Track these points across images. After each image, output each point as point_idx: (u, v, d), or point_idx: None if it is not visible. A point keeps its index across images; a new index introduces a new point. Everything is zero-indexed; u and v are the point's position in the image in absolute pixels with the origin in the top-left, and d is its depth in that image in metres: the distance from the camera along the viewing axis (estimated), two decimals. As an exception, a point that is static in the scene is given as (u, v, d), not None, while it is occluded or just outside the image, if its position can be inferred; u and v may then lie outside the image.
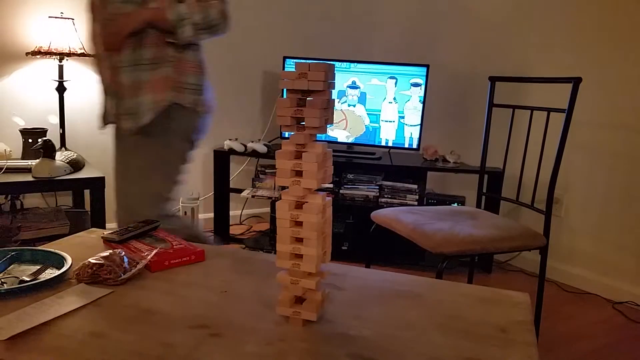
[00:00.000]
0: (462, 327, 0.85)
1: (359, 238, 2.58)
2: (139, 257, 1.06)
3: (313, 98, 0.78)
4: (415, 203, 2.53)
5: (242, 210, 3.14)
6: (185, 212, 2.39)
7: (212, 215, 2.82)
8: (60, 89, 2.34)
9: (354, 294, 0.97)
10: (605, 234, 2.30)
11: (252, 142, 2.66)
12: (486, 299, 0.98)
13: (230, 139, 2.67)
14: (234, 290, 0.96)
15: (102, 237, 1.19)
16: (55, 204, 2.56)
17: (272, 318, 0.85)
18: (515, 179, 2.22)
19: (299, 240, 0.81)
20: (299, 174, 0.80)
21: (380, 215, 1.64)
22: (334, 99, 0.81)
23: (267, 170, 2.74)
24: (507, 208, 2.67)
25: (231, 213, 2.87)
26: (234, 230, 2.95)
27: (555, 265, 2.47)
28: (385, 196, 2.55)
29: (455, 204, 2.52)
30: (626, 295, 2.23)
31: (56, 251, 1.06)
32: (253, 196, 2.63)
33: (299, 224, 0.81)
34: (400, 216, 1.56)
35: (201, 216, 2.92)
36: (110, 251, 1.04)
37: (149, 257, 1.05)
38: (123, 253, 1.04)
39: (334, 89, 0.79)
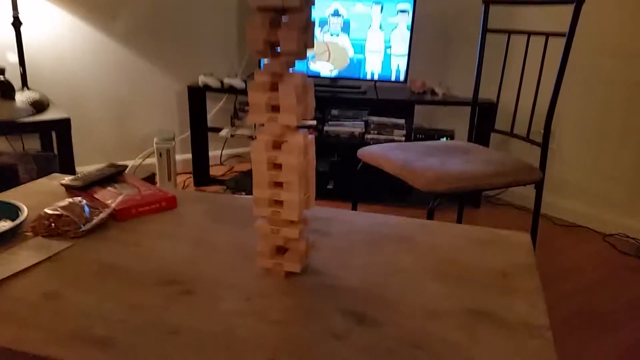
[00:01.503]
0: (459, 274, 0.79)
1: (344, 177, 2.50)
2: (102, 206, 0.96)
3: (289, 17, 0.66)
4: (403, 139, 2.44)
5: (222, 150, 3.03)
6: (160, 154, 2.28)
7: (190, 156, 2.71)
8: (16, 23, 2.14)
9: (341, 240, 0.89)
10: (598, 165, 2.25)
11: (229, 77, 2.51)
12: (483, 240, 0.91)
13: (205, 74, 2.52)
14: (209, 241, 0.87)
15: (62, 184, 1.09)
16: (22, 149, 2.43)
17: (251, 271, 0.77)
18: (507, 112, 2.13)
19: (279, 184, 0.72)
20: (275, 109, 0.69)
21: (368, 153, 1.55)
22: (313, 21, 0.69)
23: (246, 108, 2.61)
24: (497, 142, 2.60)
25: (210, 154, 2.76)
26: (215, 171, 2.85)
27: (546, 198, 2.44)
28: (372, 132, 2.46)
29: (445, 139, 2.44)
30: (617, 227, 2.21)
31: (10, 201, 0.95)
32: (232, 135, 2.52)
33: (277, 166, 0.71)
34: (389, 153, 1.48)
35: (178, 157, 2.81)
36: (70, 200, 0.94)
37: (113, 205, 0.96)
38: (84, 202, 0.94)
39: (313, 5, 0.67)
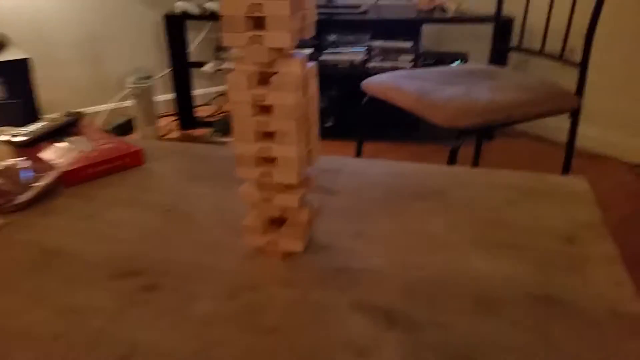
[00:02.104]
0: (512, 242, 0.61)
1: (344, 112, 2.29)
2: (49, 168, 0.77)
3: None
4: (410, 65, 2.20)
5: (207, 88, 2.79)
6: (137, 95, 2.05)
7: (173, 96, 2.48)
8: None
9: (352, 200, 0.70)
10: (629, 88, 2.03)
11: (211, 0, 2.23)
12: (533, 191, 0.72)
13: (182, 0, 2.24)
14: (184, 210, 0.69)
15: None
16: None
17: (238, 252, 0.59)
18: (530, 28, 1.88)
19: (269, 135, 0.52)
20: (259, 23, 0.48)
21: (375, 84, 1.33)
22: None
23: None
24: (513, 65, 2.36)
25: (196, 92, 2.53)
26: (201, 112, 2.63)
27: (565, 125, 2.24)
28: (375, 59, 2.22)
29: (458, 62, 2.20)
30: (648, 155, 2.03)
31: None
32: (218, 70, 2.28)
33: (266, 109, 0.51)
34: (401, 83, 1.26)
35: (160, 98, 2.58)
36: (7, 163, 0.75)
37: (60, 166, 0.76)
38: (25, 164, 0.75)
39: None
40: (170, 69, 2.35)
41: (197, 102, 2.61)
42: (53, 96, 2.34)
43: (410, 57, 2.22)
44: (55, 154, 0.82)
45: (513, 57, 2.24)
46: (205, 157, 0.85)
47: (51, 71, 2.32)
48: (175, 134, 2.44)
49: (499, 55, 2.13)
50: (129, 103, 2.25)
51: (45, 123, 0.91)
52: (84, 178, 0.77)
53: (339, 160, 0.83)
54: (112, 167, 0.80)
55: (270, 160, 0.54)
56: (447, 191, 0.72)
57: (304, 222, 0.56)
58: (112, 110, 2.48)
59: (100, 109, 2.48)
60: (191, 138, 2.37)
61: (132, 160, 0.82)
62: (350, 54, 2.21)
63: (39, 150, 0.84)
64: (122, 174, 0.80)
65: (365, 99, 1.40)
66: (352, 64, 2.22)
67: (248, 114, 0.51)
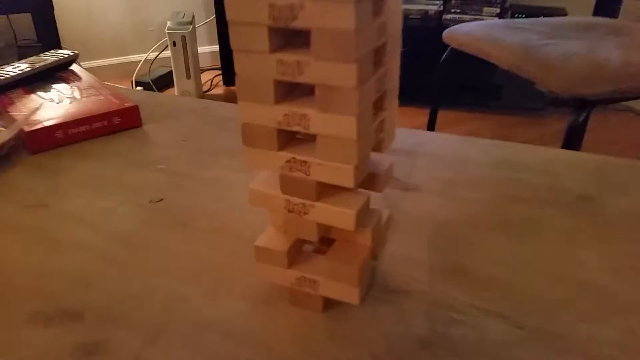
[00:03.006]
0: None
1: (416, 72, 1.99)
2: (10, 124, 0.56)
3: None
4: (496, 19, 1.87)
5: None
6: (175, 42, 1.83)
7: (216, 48, 2.25)
8: None
9: (441, 201, 0.45)
10: None
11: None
12: None
13: None
14: (180, 206, 0.46)
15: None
16: (14, 39, 2.05)
17: (245, 292, 0.36)
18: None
19: (303, 90, 0.28)
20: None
21: (461, 35, 1.05)
22: None
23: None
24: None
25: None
26: (249, 66, 2.40)
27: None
28: (452, 11, 1.90)
29: (557, 19, 1.85)
30: None
31: None
32: (269, 18, 2.02)
33: (296, 37, 0.27)
34: (497, 34, 0.97)
35: (204, 49, 2.36)
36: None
37: (22, 123, 0.55)
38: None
39: None
40: (215, 16, 2.12)
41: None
42: (93, 44, 2.17)
43: (494, 10, 1.89)
44: (27, 106, 0.61)
45: (629, 8, 1.86)
46: (229, 119, 0.62)
47: (90, 17, 2.14)
48: (219, 90, 2.24)
49: (606, 9, 1.76)
50: (168, 53, 2.05)
51: (25, 65, 0.70)
52: (53, 142, 0.56)
53: (411, 136, 0.58)
54: (94, 129, 0.58)
55: (305, 139, 0.29)
56: (593, 196, 0.46)
57: (364, 250, 0.32)
58: (150, 61, 2.29)
59: (139, 58, 2.30)
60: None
61: (124, 121, 0.60)
62: (424, 3, 1.90)
63: (12, 100, 0.63)
64: (108, 138, 0.58)
65: (445, 55, 1.12)
66: (425, 15, 1.91)
67: (265, 47, 0.27)
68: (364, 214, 0.31)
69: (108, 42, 2.24)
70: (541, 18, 1.14)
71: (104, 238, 0.41)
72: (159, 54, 2.29)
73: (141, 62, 2.27)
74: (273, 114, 0.28)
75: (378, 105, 0.30)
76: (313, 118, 0.27)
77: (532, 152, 0.53)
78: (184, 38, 1.84)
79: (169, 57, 1.92)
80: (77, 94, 0.64)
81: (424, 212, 0.44)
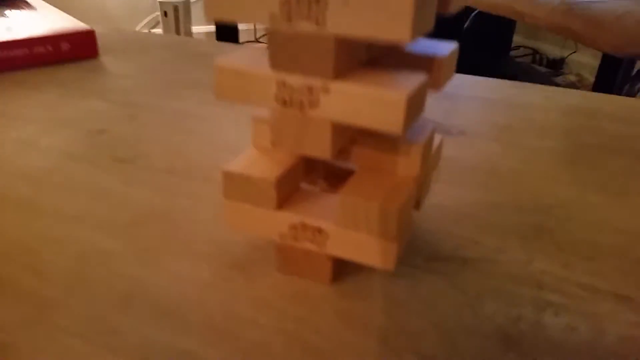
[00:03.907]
0: None
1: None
2: None
3: None
4: None
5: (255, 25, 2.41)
6: (166, 13, 1.70)
7: (212, 28, 2.13)
8: None
9: (496, 147, 0.33)
10: None
11: None
12: None
13: None
14: (123, 136, 0.33)
15: None
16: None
17: (212, 237, 0.22)
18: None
19: None
20: None
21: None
22: None
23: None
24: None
25: (241, 27, 2.17)
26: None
27: None
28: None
29: None
30: None
31: None
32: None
33: None
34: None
35: (195, 30, 2.23)
36: None
37: None
38: None
39: None
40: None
41: (242, 38, 2.25)
42: (74, 12, 2.04)
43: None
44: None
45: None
46: (203, 54, 0.49)
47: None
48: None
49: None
50: (160, 30, 1.91)
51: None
52: (-25, 67, 0.43)
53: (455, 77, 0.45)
54: (35, 54, 0.45)
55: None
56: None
57: (406, 184, 0.19)
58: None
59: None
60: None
61: (74, 49, 0.47)
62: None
63: None
64: (56, 68, 0.45)
65: (471, 17, 0.99)
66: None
67: None
68: (415, 114, 0.18)
69: (93, 12, 2.11)
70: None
71: (11, 175, 0.28)
72: (150, 30, 2.16)
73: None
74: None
75: None
76: None
77: (606, 100, 0.41)
78: (176, 8, 1.71)
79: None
80: (24, 19, 0.51)
81: (477, 159, 0.31)
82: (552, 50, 1.95)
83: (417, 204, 0.22)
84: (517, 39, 1.97)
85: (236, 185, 0.20)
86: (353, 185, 0.19)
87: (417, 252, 0.23)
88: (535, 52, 1.99)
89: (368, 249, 0.19)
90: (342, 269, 0.21)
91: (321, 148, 0.18)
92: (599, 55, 1.51)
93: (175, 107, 0.37)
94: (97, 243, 0.23)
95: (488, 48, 1.52)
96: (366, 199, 0.18)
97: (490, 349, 0.18)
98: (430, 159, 0.21)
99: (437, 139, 0.22)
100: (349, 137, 0.20)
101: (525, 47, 2.02)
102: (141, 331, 0.18)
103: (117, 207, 0.25)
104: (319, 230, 0.19)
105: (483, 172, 0.29)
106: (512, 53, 1.95)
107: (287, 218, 0.19)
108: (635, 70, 1.04)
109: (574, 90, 0.43)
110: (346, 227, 0.19)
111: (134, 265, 0.21)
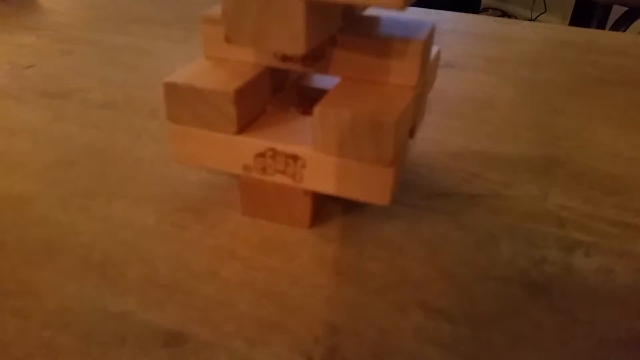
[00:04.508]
0: None
1: None
2: None
3: None
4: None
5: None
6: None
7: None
8: None
9: (489, 78, 0.29)
10: None
11: None
12: None
13: None
14: (55, 70, 0.28)
15: None
16: None
17: (157, 175, 0.18)
18: None
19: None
20: None
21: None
22: None
23: None
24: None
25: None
26: None
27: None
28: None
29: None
30: None
31: None
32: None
33: None
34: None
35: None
36: None
37: None
38: None
39: None
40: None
41: None
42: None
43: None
44: None
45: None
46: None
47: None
48: None
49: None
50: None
51: None
52: None
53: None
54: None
55: None
56: None
57: (404, 95, 0.15)
58: None
59: None
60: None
61: (1, -16, 0.40)
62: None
63: None
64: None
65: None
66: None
67: None
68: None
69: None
70: None
71: None
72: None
73: None
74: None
75: None
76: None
77: (599, 35, 0.37)
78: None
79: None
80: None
81: (469, 91, 0.27)
82: (521, 11, 1.92)
83: (411, 131, 0.18)
84: (486, 1, 1.94)
85: (183, 103, 0.15)
86: (335, 96, 0.14)
87: (413, 189, 0.19)
88: (504, 13, 1.96)
89: (356, 178, 0.14)
90: (323, 208, 0.17)
91: (291, 38, 0.13)
92: (569, 15, 1.49)
93: (117, 42, 0.32)
94: (10, 186, 0.18)
95: (456, 10, 1.48)
96: (353, 110, 0.14)
97: (513, 296, 0.14)
98: (428, 69, 0.17)
99: (434, 48, 0.18)
100: (328, 34, 0.15)
101: (494, 9, 1.99)
102: (62, 290, 0.14)
103: (41, 145, 0.20)
104: (294, 158, 0.15)
105: (477, 104, 0.26)
106: (481, 15, 1.91)
107: (251, 145, 0.15)
108: (609, 21, 1.02)
109: (564, 26, 0.40)
110: (328, 152, 0.14)
111: (56, 211, 0.17)
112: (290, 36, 0.13)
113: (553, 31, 0.38)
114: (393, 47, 0.15)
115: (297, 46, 0.13)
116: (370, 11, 0.18)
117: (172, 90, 0.15)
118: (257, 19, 0.13)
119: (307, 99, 0.19)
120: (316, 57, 0.16)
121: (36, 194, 0.17)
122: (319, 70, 0.16)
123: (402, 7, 0.12)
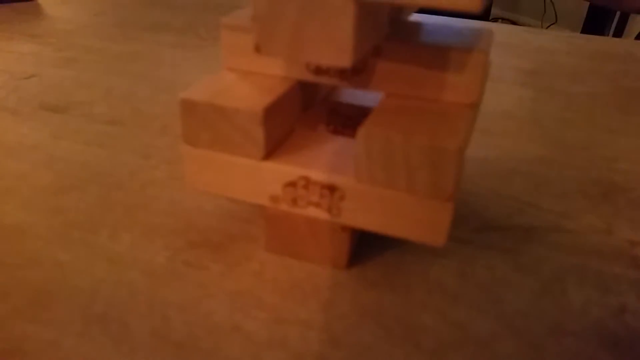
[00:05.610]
0: None
1: None
2: None
3: None
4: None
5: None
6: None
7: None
8: None
9: (526, 92, 0.26)
10: None
11: None
12: None
13: None
14: (58, 81, 0.26)
15: None
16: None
17: (171, 204, 0.15)
18: None
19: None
20: None
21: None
22: None
23: None
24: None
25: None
26: None
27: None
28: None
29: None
30: None
31: None
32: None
33: None
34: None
35: None
36: None
37: None
38: None
39: None
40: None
41: None
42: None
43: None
44: None
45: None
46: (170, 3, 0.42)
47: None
48: None
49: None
50: None
51: None
52: None
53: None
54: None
55: None
56: None
57: (462, 116, 0.12)
58: None
59: None
60: None
61: (4, -11, 0.39)
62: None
63: None
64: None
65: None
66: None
67: None
68: None
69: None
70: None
71: None
72: None
73: None
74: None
75: None
76: None
77: (636, 45, 0.35)
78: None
79: None
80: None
81: (508, 105, 0.25)
82: (531, 21, 1.90)
83: (459, 154, 0.16)
84: (495, 12, 1.92)
85: (203, 123, 0.13)
86: (382, 116, 0.12)
87: (460, 221, 0.16)
88: (514, 24, 1.94)
89: (407, 214, 0.12)
90: (363, 247, 0.15)
91: (337, 47, 0.11)
92: (579, 26, 1.47)
93: (124, 50, 0.30)
94: (1, 216, 0.16)
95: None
96: (406, 133, 0.11)
97: (588, 353, 0.12)
98: (484, 83, 0.15)
99: (486, 61, 0.16)
100: (374, 43, 0.13)
101: (503, 19, 1.97)
102: (56, 349, 0.11)
103: (38, 166, 0.18)
104: (331, 189, 0.13)
105: (520, 120, 0.23)
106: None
107: (280, 172, 0.13)
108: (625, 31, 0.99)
109: (595, 36, 0.37)
110: (373, 183, 0.12)
111: (52, 247, 0.14)
112: (336, 44, 0.11)
113: (586, 42, 0.36)
114: (450, 58, 0.13)
115: (343, 57, 0.11)
116: (414, 17, 0.16)
117: (190, 109, 0.13)
118: (295, 23, 0.11)
119: (338, 116, 0.17)
120: (357, 70, 0.14)
121: (29, 226, 0.15)
122: (359, 85, 0.14)
123: (479, 9, 0.09)
